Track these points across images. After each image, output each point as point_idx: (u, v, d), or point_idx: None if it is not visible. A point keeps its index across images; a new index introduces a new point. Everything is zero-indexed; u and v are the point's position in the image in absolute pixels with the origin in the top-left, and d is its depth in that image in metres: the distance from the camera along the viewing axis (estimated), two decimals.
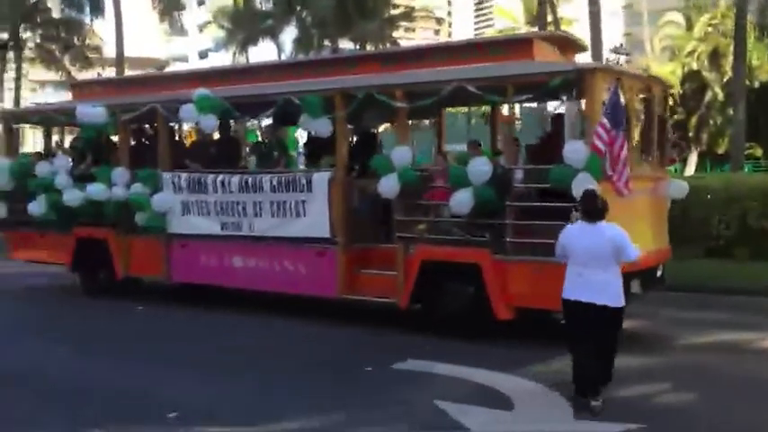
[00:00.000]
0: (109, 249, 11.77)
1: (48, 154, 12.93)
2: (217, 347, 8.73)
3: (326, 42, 40.34)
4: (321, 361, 8.01)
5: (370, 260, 9.62)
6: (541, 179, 8.24)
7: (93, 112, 11.53)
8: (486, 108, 14.47)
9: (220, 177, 10.41)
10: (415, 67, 9.45)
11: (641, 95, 8.56)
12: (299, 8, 39.87)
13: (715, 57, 33.72)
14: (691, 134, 33.43)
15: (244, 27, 44.31)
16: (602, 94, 7.81)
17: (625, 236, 6.16)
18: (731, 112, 22.41)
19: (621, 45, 15.18)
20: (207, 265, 10.81)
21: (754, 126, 24.56)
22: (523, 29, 39.11)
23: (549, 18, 28.25)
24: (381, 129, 12.56)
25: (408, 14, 50.87)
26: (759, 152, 33.33)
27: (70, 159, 12.36)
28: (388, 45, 36.74)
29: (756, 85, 30.89)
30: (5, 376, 7.60)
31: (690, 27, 33.69)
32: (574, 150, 7.68)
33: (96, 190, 11.41)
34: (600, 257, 6.12)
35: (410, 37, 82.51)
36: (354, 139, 11.01)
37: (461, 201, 8.36)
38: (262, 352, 8.49)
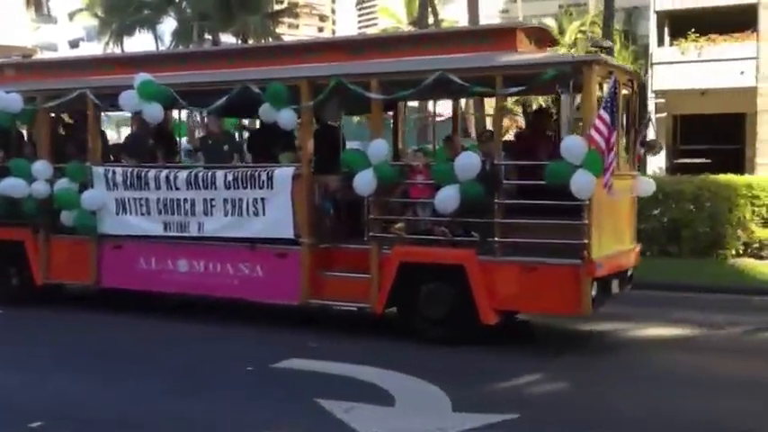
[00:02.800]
0: (25, 252, 10.54)
1: None
2: (91, 350, 8.33)
3: (207, 35, 39.35)
4: (202, 361, 7.80)
5: (335, 262, 8.98)
6: (533, 175, 7.89)
7: (6, 98, 10.28)
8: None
9: (164, 173, 9.48)
10: (386, 56, 8.83)
11: (624, 91, 8.35)
12: None
13: None
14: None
15: (118, 16, 42.50)
16: (597, 87, 7.53)
17: None
18: None
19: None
20: (145, 269, 9.82)
21: None
22: (406, 29, 39.28)
23: (431, 20, 28.49)
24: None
25: (291, 10, 50.21)
26: None
27: None
28: (270, 40, 36.08)
29: None
30: None
31: (561, 32, 34.75)
32: (572, 146, 7.35)
33: (13, 185, 10.17)
34: None
35: (293, 33, 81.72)
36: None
37: (447, 198, 7.88)
38: (138, 353, 8.21)
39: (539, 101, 23.16)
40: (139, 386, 6.90)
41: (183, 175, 9.34)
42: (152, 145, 10.12)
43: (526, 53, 8.30)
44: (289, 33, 70.44)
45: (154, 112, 9.35)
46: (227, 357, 7.95)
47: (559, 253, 7.65)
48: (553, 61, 7.80)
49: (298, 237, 8.82)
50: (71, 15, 49.73)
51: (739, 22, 23.82)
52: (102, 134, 11.06)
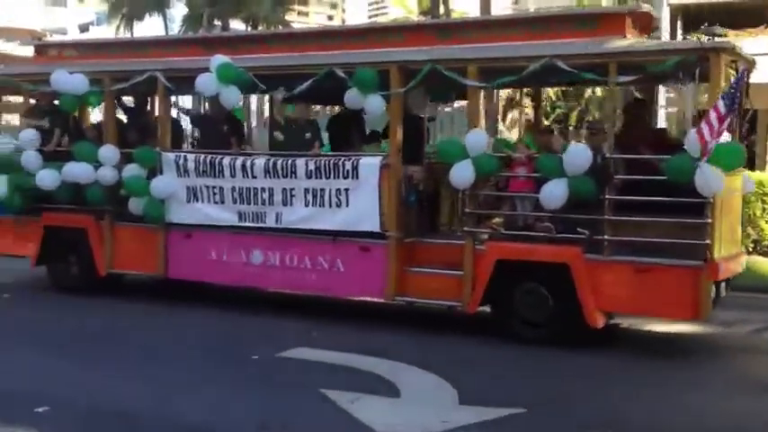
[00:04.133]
0: (88, 240, 10.13)
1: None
2: (103, 335, 8.27)
3: (216, 21, 39.15)
4: (206, 348, 7.69)
5: (421, 257, 8.52)
6: (639, 170, 7.40)
7: (72, 80, 9.86)
8: None
9: (240, 160, 9.03)
10: (479, 40, 8.34)
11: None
12: None
13: None
14: (571, 128, 33.83)
15: (129, 0, 42.30)
16: (723, 76, 7.01)
17: None
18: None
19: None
20: (216, 260, 9.39)
21: None
22: (416, 19, 38.72)
23: (441, 9, 28.01)
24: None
25: None
26: None
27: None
28: (279, 27, 35.73)
29: None
30: None
31: None
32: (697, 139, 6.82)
33: (80, 170, 9.75)
34: None
35: (303, 21, 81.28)
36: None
37: (555, 193, 7.39)
38: (149, 340, 8.05)
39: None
40: (146, 374, 6.79)
41: (260, 162, 8.89)
42: (227, 130, 9.65)
43: (633, 39, 7.79)
44: (298, 21, 70.06)
45: (231, 96, 8.90)
46: (235, 344, 7.84)
47: (675, 253, 7.16)
48: (677, 48, 7.30)
49: (384, 230, 8.36)
50: None
51: (753, 17, 22.99)
52: (175, 121, 10.62)
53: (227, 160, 9.09)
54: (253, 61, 9.02)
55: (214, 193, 9.23)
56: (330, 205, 8.59)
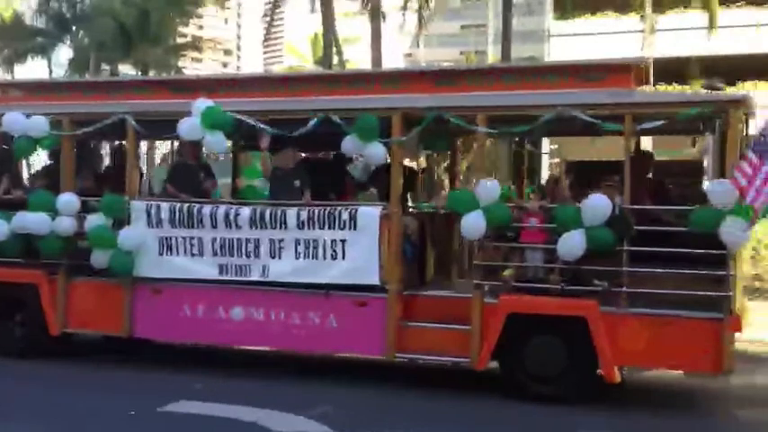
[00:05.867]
0: (39, 297, 9.18)
1: None
2: None
3: (105, 66, 38.03)
4: (77, 406, 7.37)
5: (420, 311, 8.15)
6: (653, 222, 7.36)
7: (30, 122, 9.03)
8: None
9: (222, 209, 8.45)
10: (479, 89, 8.19)
11: None
12: (74, 28, 36.91)
13: None
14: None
15: (10, 42, 40.55)
16: (741, 127, 7.09)
17: None
18: None
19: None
20: (190, 317, 8.68)
21: None
22: (310, 68, 39.14)
23: (335, 60, 28.41)
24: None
25: (195, 44, 49.08)
26: None
27: None
28: (172, 73, 35.03)
29: None
30: None
31: None
32: (722, 191, 6.83)
33: (36, 220, 8.87)
34: None
35: (197, 67, 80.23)
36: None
37: (573, 244, 7.21)
38: (21, 395, 7.76)
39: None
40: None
41: (245, 212, 8.34)
42: (203, 177, 9.05)
43: (637, 90, 7.84)
44: (192, 67, 69.15)
45: (217, 142, 8.35)
46: (103, 403, 7.52)
47: (695, 306, 7.09)
48: (695, 100, 7.34)
49: (384, 283, 7.95)
50: None
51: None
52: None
53: (207, 209, 8.49)
54: (238, 105, 8.50)
55: (191, 245, 8.58)
56: (324, 257, 8.12)
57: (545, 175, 16.12)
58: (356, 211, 8.02)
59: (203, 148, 9.21)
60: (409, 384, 8.35)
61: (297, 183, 8.59)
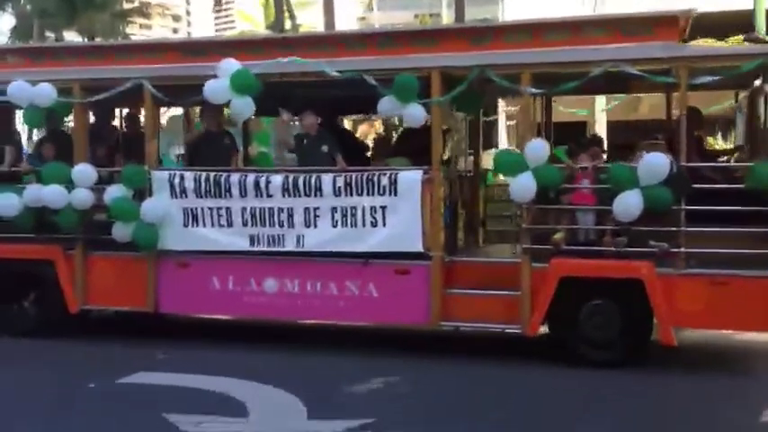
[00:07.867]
0: (56, 274, 8.75)
1: None
2: None
3: (49, 33, 37.02)
4: (36, 380, 7.20)
5: (464, 278, 7.89)
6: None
7: (36, 90, 8.50)
8: None
9: (252, 177, 8.06)
10: (519, 46, 7.84)
11: None
12: None
13: None
14: None
15: None
16: None
17: None
18: None
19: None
20: (219, 290, 8.33)
21: None
22: (262, 33, 38.31)
23: (288, 24, 27.88)
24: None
25: (142, 10, 47.71)
26: None
27: None
28: (119, 39, 34.10)
29: None
30: None
31: None
32: None
33: (52, 193, 8.40)
34: None
35: (145, 33, 78.35)
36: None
37: (630, 204, 6.96)
38: None
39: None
40: None
41: (277, 179, 7.96)
42: (227, 144, 8.62)
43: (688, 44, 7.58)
44: (141, 33, 67.48)
45: (245, 106, 7.92)
46: (63, 375, 7.36)
47: (753, 264, 6.92)
48: (755, 52, 7.06)
49: (427, 250, 7.67)
50: None
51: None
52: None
53: (235, 178, 8.09)
54: (267, 67, 8.03)
55: (219, 216, 8.20)
56: (363, 225, 7.80)
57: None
58: (397, 175, 7.69)
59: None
60: (373, 349, 8.22)
61: (325, 148, 8.19)
